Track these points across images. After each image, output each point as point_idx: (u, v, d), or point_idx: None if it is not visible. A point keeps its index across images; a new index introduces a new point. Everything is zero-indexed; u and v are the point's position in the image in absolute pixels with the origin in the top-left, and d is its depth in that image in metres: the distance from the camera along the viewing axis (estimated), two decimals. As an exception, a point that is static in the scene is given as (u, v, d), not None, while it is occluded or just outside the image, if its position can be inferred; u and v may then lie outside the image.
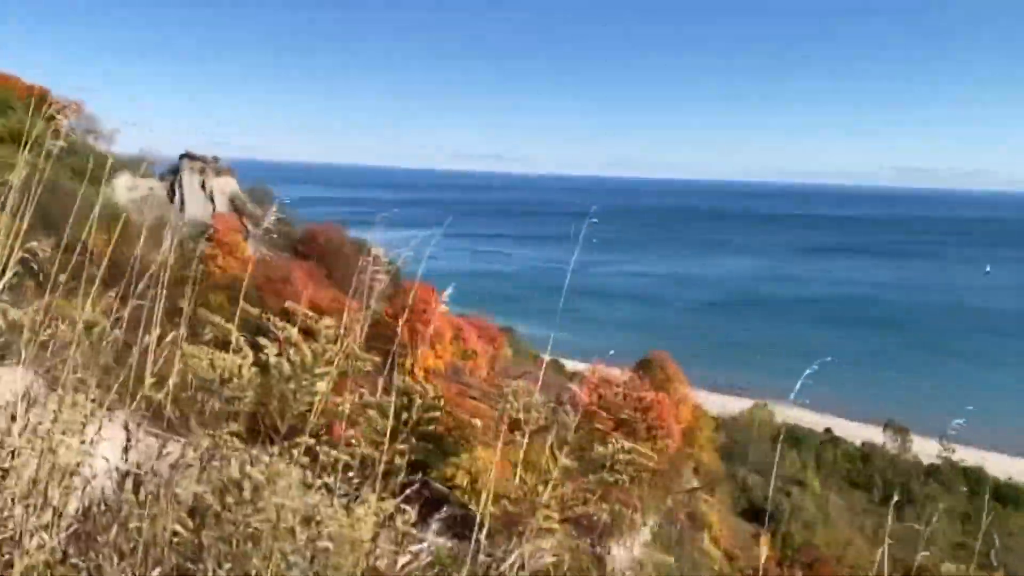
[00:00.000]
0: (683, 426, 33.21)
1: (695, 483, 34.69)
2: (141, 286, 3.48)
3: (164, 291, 3.73)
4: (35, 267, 3.31)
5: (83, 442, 2.47)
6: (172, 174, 53.88)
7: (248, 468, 2.37)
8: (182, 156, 54.70)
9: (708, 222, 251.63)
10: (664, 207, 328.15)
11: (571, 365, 48.05)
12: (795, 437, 47.36)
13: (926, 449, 50.01)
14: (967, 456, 48.25)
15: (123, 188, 48.48)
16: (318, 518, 2.36)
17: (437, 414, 2.89)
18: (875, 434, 53.34)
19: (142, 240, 3.71)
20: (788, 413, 44.77)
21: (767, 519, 37.57)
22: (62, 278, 3.34)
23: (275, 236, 49.94)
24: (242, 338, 3.23)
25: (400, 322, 4.57)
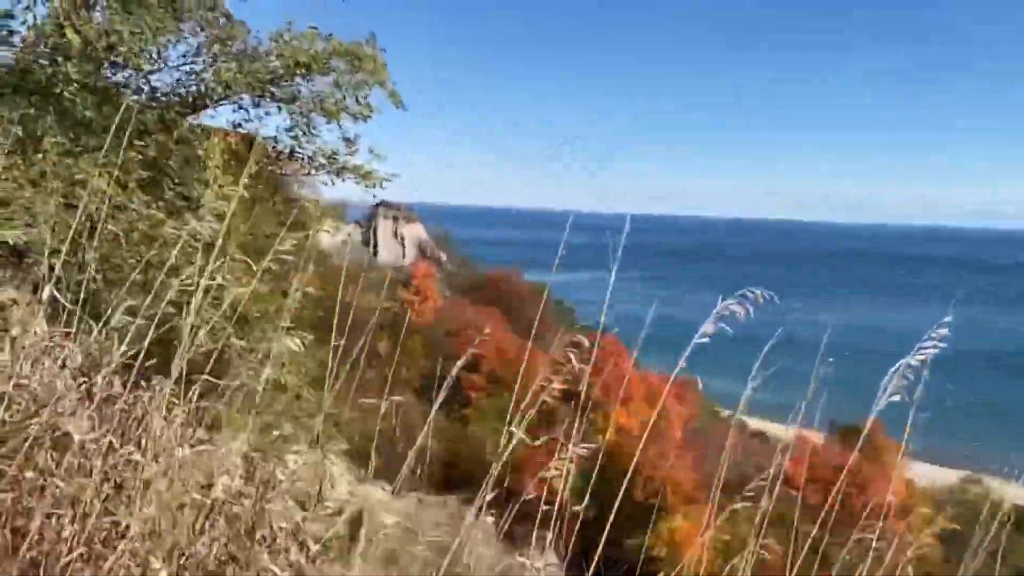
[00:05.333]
0: (899, 505, 29.98)
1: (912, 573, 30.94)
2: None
3: (369, 336, 3.98)
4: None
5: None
6: (367, 220, 58.50)
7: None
8: (378, 204, 59.29)
9: (900, 267, 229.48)
10: (851, 251, 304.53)
11: (755, 424, 45.20)
12: (1024, 520, 40.98)
13: None
14: None
15: (325, 233, 53.44)
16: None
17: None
18: None
19: (358, 288, 4.02)
20: (1013, 490, 38.93)
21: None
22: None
23: (458, 279, 52.33)
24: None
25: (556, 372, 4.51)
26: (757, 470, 3.06)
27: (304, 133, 8.96)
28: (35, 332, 2.75)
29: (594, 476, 3.00)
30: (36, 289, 4.01)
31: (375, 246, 56.52)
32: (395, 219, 58.23)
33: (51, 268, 3.84)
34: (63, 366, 2.72)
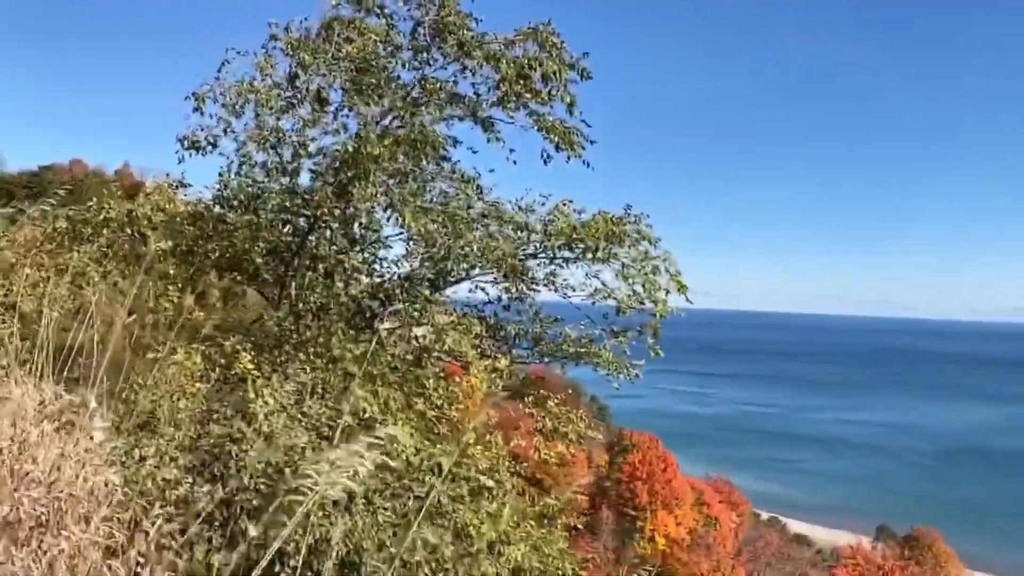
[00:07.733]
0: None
1: None
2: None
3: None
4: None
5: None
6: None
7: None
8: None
9: (936, 365, 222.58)
10: (886, 348, 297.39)
11: (795, 525, 43.22)
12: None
13: None
14: None
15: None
16: None
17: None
18: None
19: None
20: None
21: None
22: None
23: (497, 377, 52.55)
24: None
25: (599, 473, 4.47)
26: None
27: (554, 320, 7.95)
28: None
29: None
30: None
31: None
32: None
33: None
34: None
